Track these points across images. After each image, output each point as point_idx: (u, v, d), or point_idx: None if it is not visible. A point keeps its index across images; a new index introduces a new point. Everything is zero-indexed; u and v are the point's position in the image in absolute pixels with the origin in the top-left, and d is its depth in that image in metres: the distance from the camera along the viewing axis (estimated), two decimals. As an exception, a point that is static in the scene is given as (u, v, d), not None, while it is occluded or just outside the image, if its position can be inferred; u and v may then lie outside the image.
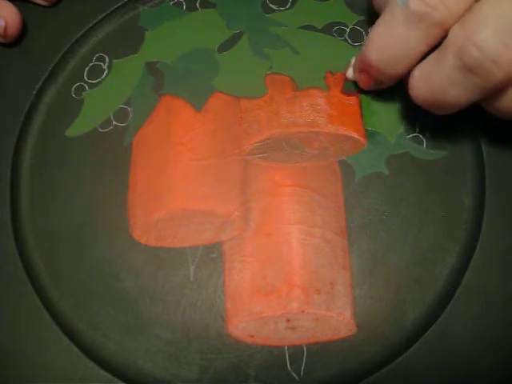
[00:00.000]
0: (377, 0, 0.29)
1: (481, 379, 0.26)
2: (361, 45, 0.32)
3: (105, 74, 0.32)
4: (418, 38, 0.25)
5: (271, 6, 0.33)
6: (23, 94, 0.31)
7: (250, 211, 0.28)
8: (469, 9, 0.24)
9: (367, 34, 0.32)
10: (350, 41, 0.32)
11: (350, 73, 0.31)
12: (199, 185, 0.29)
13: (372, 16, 0.33)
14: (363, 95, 0.31)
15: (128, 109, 0.31)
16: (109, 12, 0.33)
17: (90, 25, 0.33)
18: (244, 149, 0.30)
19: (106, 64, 0.32)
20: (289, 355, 0.26)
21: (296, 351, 0.26)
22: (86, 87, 0.32)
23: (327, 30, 0.32)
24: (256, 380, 0.26)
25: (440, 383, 0.26)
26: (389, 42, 0.26)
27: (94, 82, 0.32)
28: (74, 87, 0.32)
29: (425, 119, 0.30)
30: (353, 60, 0.30)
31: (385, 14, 0.26)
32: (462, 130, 0.30)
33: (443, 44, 0.25)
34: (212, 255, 0.28)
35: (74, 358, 0.26)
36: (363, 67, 0.28)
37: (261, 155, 0.30)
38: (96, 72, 0.32)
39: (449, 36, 0.24)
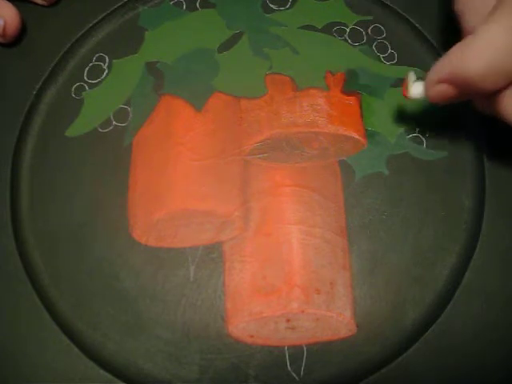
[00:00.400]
0: (463, 4, 0.26)
1: (481, 379, 0.26)
2: (361, 45, 0.32)
3: (105, 73, 0.32)
4: None
5: (271, 5, 0.33)
6: (23, 94, 0.31)
7: (250, 211, 0.28)
8: None
9: (367, 34, 0.32)
10: (349, 41, 0.32)
11: (414, 91, 0.27)
12: (199, 185, 0.29)
13: (373, 15, 0.33)
14: (363, 95, 0.31)
15: (128, 109, 0.31)
16: (109, 12, 0.33)
17: (90, 25, 0.33)
18: (244, 149, 0.30)
19: (106, 64, 0.32)
20: (289, 355, 0.26)
21: (296, 351, 0.26)
22: (86, 87, 0.32)
23: (327, 30, 0.32)
24: (256, 380, 0.26)
25: (440, 383, 0.26)
26: (504, 53, 0.23)
27: (93, 81, 0.32)
28: (74, 87, 0.32)
29: (425, 119, 0.30)
30: (411, 76, 0.27)
31: (500, 18, 0.23)
32: (462, 130, 0.30)
33: None
34: (212, 255, 0.28)
35: (74, 358, 0.26)
36: (452, 79, 0.25)
37: (261, 155, 0.30)
38: (96, 72, 0.32)
39: None
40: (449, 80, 0.25)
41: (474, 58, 0.23)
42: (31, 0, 0.32)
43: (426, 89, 0.26)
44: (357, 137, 0.30)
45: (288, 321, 0.27)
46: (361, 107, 0.30)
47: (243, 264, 0.28)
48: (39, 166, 0.30)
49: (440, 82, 0.25)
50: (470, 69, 0.23)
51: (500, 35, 0.23)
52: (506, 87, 0.24)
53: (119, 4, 0.33)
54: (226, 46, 0.32)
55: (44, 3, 0.33)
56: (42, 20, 0.33)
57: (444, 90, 0.25)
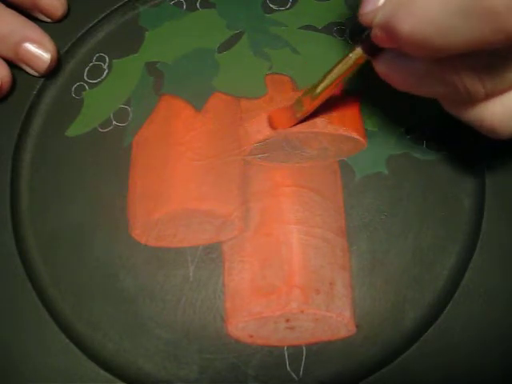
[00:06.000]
0: None
1: (481, 379, 0.26)
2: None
3: (105, 73, 0.32)
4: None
5: (271, 5, 0.33)
6: (23, 94, 0.31)
7: (249, 211, 0.28)
8: None
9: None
10: (350, 41, 0.32)
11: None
12: (199, 185, 0.29)
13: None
14: (363, 95, 0.31)
15: (128, 109, 0.31)
16: (109, 12, 0.33)
17: (90, 25, 0.33)
18: (244, 149, 0.30)
19: (106, 64, 0.32)
20: (288, 355, 0.26)
21: (295, 351, 0.26)
22: (86, 87, 0.32)
23: (327, 30, 0.32)
24: (255, 380, 0.26)
25: (440, 383, 0.26)
26: (432, 24, 0.19)
27: (94, 81, 0.32)
28: (74, 87, 0.32)
29: (425, 119, 0.30)
30: None
31: None
32: (462, 130, 0.30)
33: None
34: (212, 255, 0.28)
35: (74, 358, 0.26)
36: (384, 28, 0.21)
37: (261, 155, 0.30)
38: (96, 72, 0.32)
39: None
40: (381, 27, 0.22)
41: (404, 15, 0.20)
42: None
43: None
44: (357, 137, 0.30)
45: (287, 321, 0.27)
46: (361, 107, 0.30)
47: (243, 264, 0.28)
48: (39, 166, 0.30)
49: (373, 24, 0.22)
50: (398, 28, 0.20)
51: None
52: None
53: (119, 4, 0.33)
54: (226, 45, 0.32)
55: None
56: (42, 20, 0.33)
57: (377, 34, 0.22)
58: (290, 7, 0.33)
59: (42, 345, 0.27)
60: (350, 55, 0.25)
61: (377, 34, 0.22)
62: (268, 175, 0.29)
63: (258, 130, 0.30)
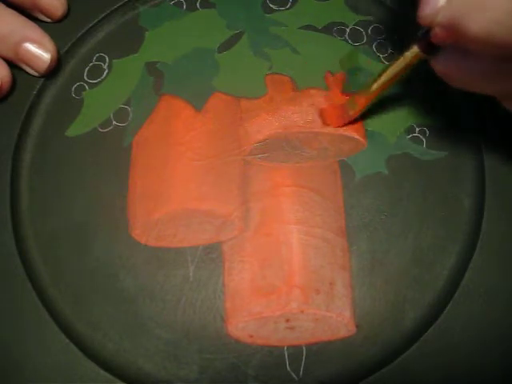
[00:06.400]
0: None
1: (480, 379, 0.26)
2: (361, 45, 0.32)
3: (105, 73, 0.32)
4: None
5: (271, 5, 0.33)
6: (23, 94, 0.31)
7: (249, 211, 0.28)
8: None
9: (367, 34, 0.32)
10: (350, 41, 0.32)
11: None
12: (199, 185, 0.29)
13: (373, 15, 0.33)
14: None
15: (128, 109, 0.31)
16: (109, 12, 0.33)
17: (90, 25, 0.33)
18: (244, 149, 0.30)
19: (106, 64, 0.32)
20: (288, 355, 0.26)
21: (295, 351, 0.26)
22: (86, 87, 0.32)
23: (327, 30, 0.32)
24: (255, 380, 0.26)
25: (440, 383, 0.26)
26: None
27: (94, 81, 0.32)
28: (74, 87, 0.32)
29: (425, 120, 0.30)
30: None
31: None
32: (462, 130, 0.30)
33: None
34: (212, 255, 0.28)
35: (74, 357, 0.26)
36: (449, 28, 0.21)
37: (261, 155, 0.30)
38: (96, 72, 0.32)
39: None
40: (444, 27, 0.21)
41: (473, 14, 0.20)
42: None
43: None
44: (357, 137, 0.30)
45: (287, 321, 0.27)
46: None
47: (243, 264, 0.28)
48: (39, 166, 0.30)
49: (434, 24, 0.22)
50: (466, 27, 0.20)
51: None
52: None
53: (119, 4, 0.33)
54: (226, 45, 0.32)
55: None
56: (42, 20, 0.33)
57: (440, 34, 0.22)
58: (290, 7, 0.33)
59: (42, 345, 0.27)
60: (407, 54, 0.25)
61: (438, 33, 0.22)
62: (268, 175, 0.29)
63: (258, 130, 0.30)
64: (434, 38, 0.23)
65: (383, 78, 0.26)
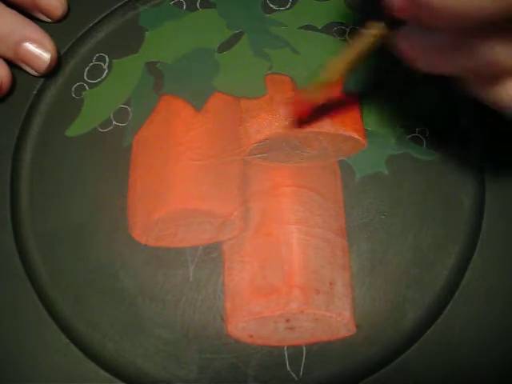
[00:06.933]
0: None
1: (480, 379, 0.26)
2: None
3: (105, 73, 0.32)
4: None
5: (271, 5, 0.33)
6: (23, 94, 0.31)
7: (249, 211, 0.28)
8: None
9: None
10: (350, 41, 0.32)
11: None
12: (199, 184, 0.29)
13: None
14: (363, 95, 0.31)
15: (128, 109, 0.31)
16: (109, 12, 0.33)
17: (90, 25, 0.33)
18: (244, 149, 0.30)
19: (106, 64, 0.32)
20: (288, 355, 0.26)
21: (295, 351, 0.26)
22: (86, 87, 0.32)
23: (327, 30, 0.32)
24: (255, 380, 0.26)
25: (440, 383, 0.26)
26: None
27: (94, 81, 0.32)
28: (74, 87, 0.32)
29: (425, 120, 0.30)
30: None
31: None
32: (462, 130, 0.30)
33: None
34: (211, 255, 0.28)
35: (74, 357, 0.26)
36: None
37: (261, 155, 0.30)
38: (96, 72, 0.32)
39: None
40: None
41: None
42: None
43: None
44: (357, 137, 0.30)
45: (287, 321, 0.27)
46: (361, 107, 0.30)
47: (243, 264, 0.28)
48: (39, 166, 0.30)
49: None
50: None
51: None
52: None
53: (119, 4, 0.33)
54: (226, 46, 0.32)
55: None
56: (42, 20, 0.33)
57: (402, 5, 0.21)
58: (290, 7, 0.33)
59: (42, 345, 0.27)
60: (370, 30, 0.24)
61: (400, 4, 0.21)
62: (268, 175, 0.29)
63: (258, 130, 0.30)
64: (394, 10, 0.21)
65: (347, 59, 0.25)
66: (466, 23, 0.19)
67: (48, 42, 0.31)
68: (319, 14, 0.33)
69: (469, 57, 0.21)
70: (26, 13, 0.32)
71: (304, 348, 0.26)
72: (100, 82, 0.32)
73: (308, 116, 0.29)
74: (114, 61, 0.32)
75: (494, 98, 0.22)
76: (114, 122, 0.31)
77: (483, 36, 0.20)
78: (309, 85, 0.28)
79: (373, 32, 0.24)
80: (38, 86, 0.32)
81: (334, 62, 0.26)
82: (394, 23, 0.23)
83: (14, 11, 0.31)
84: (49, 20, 0.33)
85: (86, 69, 0.32)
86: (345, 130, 0.30)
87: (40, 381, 0.26)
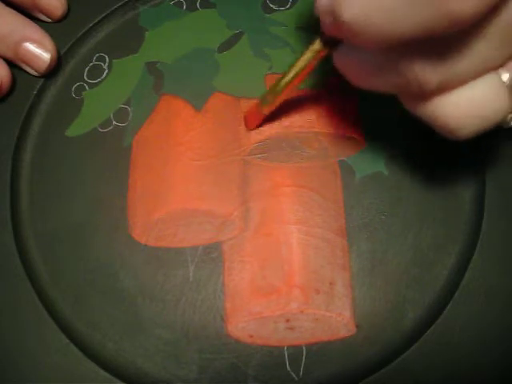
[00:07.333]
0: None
1: (480, 379, 0.26)
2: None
3: (105, 73, 0.32)
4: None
5: (271, 5, 0.33)
6: (23, 94, 0.31)
7: (249, 211, 0.28)
8: None
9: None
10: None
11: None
12: (199, 184, 0.29)
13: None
14: (362, 95, 0.30)
15: (128, 109, 0.31)
16: (109, 12, 0.33)
17: (90, 25, 0.33)
18: (244, 149, 0.30)
19: (106, 64, 0.32)
20: (288, 355, 0.26)
21: (295, 351, 0.26)
22: (86, 87, 0.32)
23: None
24: (255, 380, 0.26)
25: (440, 383, 0.26)
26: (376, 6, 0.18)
27: (94, 81, 0.32)
28: (74, 87, 0.32)
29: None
30: None
31: None
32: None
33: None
34: (211, 255, 0.28)
35: (74, 357, 0.26)
36: (330, 14, 0.21)
37: (261, 155, 0.30)
38: (96, 72, 0.32)
39: None
40: (327, 14, 0.21)
41: (346, 1, 0.19)
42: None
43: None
44: (356, 137, 0.30)
45: (287, 321, 0.27)
46: (360, 107, 0.30)
47: (243, 264, 0.28)
48: (39, 166, 0.30)
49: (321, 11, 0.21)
50: (342, 15, 0.19)
51: None
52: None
53: (119, 4, 0.33)
54: (226, 46, 0.32)
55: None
56: (42, 20, 0.33)
57: (326, 22, 0.21)
58: (290, 7, 0.33)
59: (42, 345, 0.27)
60: (311, 48, 0.24)
61: (325, 22, 0.21)
62: (268, 175, 0.29)
63: (258, 130, 0.30)
64: (323, 28, 0.22)
65: (290, 75, 0.26)
66: (384, 43, 0.19)
67: (48, 42, 0.31)
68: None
69: (395, 75, 0.21)
70: (26, 13, 0.32)
71: (304, 348, 0.26)
72: (100, 81, 0.32)
73: (260, 125, 0.30)
74: (113, 61, 0.32)
75: (427, 115, 0.23)
76: (114, 122, 0.31)
77: (406, 55, 0.20)
78: (261, 100, 0.28)
79: (315, 48, 0.24)
80: (38, 86, 0.32)
81: (279, 78, 0.26)
82: (333, 41, 0.23)
83: (13, 11, 0.31)
84: (49, 20, 0.33)
85: (86, 69, 0.32)
86: (345, 130, 0.30)
87: (40, 381, 0.26)
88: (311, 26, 0.32)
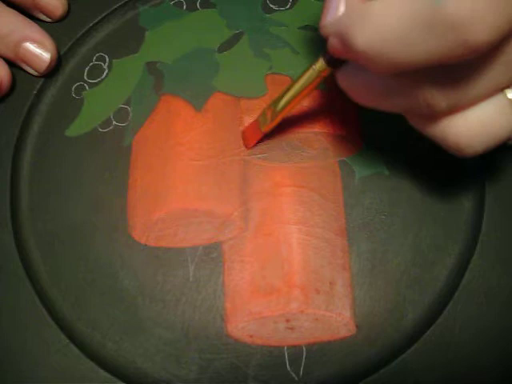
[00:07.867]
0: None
1: (480, 379, 0.26)
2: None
3: (105, 73, 0.32)
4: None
5: (271, 6, 0.33)
6: (23, 94, 0.31)
7: (249, 211, 0.28)
8: None
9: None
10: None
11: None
12: (199, 184, 0.29)
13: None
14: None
15: (128, 109, 0.31)
16: (109, 12, 0.33)
17: (90, 25, 0.33)
18: (244, 149, 0.30)
19: (106, 64, 0.32)
20: (288, 355, 0.26)
21: (295, 351, 0.26)
22: (86, 87, 0.32)
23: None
24: (255, 380, 0.26)
25: (440, 383, 0.26)
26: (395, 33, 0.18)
27: (94, 81, 0.32)
28: (74, 87, 0.32)
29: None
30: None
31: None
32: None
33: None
34: (211, 255, 0.28)
35: (74, 357, 0.26)
36: (339, 39, 0.21)
37: (261, 155, 0.30)
38: (96, 72, 0.32)
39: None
40: (336, 37, 0.21)
41: (359, 27, 0.19)
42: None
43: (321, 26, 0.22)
44: (356, 137, 0.30)
45: (287, 321, 0.27)
46: (360, 107, 0.30)
47: (243, 264, 0.28)
48: (39, 166, 0.30)
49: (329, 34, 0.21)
50: (354, 40, 0.19)
51: (396, 7, 0.18)
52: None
53: (119, 4, 0.33)
54: (226, 46, 0.32)
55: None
56: (42, 20, 0.33)
57: (334, 45, 0.21)
58: (290, 7, 0.33)
59: (42, 345, 0.27)
60: (313, 67, 0.24)
61: (333, 44, 0.21)
62: (268, 175, 0.29)
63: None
64: (331, 50, 0.22)
65: (291, 93, 0.25)
66: (398, 70, 0.19)
67: (48, 41, 0.31)
68: (319, 14, 0.33)
69: (404, 97, 0.21)
70: (26, 13, 0.32)
71: (304, 348, 0.26)
72: (100, 81, 0.32)
73: (257, 143, 0.30)
74: (114, 61, 0.32)
75: (435, 135, 0.23)
76: (114, 122, 0.31)
77: (417, 79, 0.20)
78: (260, 117, 0.28)
79: (317, 67, 0.24)
80: (38, 86, 0.32)
81: (279, 96, 0.26)
82: (336, 61, 0.23)
83: (14, 11, 0.31)
84: (49, 20, 0.33)
85: (86, 69, 0.32)
86: (344, 131, 0.30)
87: (40, 381, 0.26)
88: (311, 27, 0.32)
